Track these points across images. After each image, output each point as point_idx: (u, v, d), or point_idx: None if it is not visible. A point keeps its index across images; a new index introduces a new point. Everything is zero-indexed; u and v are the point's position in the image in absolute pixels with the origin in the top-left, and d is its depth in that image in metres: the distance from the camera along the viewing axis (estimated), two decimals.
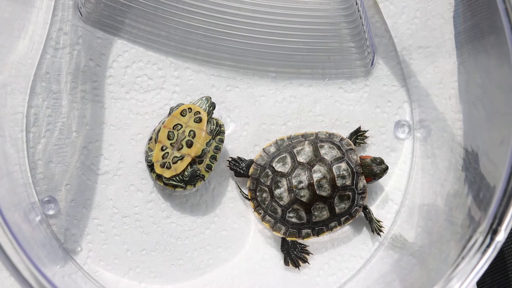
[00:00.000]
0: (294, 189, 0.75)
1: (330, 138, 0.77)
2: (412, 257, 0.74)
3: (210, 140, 0.75)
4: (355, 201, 0.76)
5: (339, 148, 0.76)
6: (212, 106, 0.76)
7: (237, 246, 0.78)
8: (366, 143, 0.79)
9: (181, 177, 0.75)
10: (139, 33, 0.79)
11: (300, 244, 0.77)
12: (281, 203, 0.76)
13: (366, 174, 0.76)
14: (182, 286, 0.77)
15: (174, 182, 0.75)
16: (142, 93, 0.79)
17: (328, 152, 0.76)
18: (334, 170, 0.75)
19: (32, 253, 0.61)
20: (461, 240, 0.64)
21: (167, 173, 0.74)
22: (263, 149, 0.78)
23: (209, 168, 0.76)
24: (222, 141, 0.76)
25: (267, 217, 0.76)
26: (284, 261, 0.77)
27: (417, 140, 0.80)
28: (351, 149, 0.77)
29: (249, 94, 0.80)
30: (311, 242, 0.78)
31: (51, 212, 0.76)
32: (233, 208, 0.78)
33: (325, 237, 0.78)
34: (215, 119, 0.76)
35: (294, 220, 0.76)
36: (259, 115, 0.79)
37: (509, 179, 0.62)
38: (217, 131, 0.76)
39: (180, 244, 0.77)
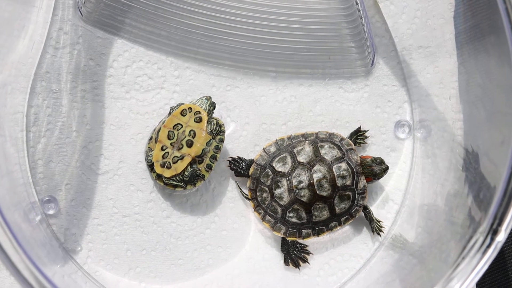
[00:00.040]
0: (294, 189, 0.75)
1: (330, 138, 0.77)
2: (412, 257, 0.74)
3: (210, 139, 0.75)
4: (355, 201, 0.76)
5: (339, 148, 0.76)
6: (212, 105, 0.76)
7: (237, 246, 0.78)
8: (366, 143, 0.79)
9: (181, 177, 0.75)
10: (140, 33, 0.79)
11: (300, 244, 0.77)
12: (281, 203, 0.75)
13: (366, 174, 0.76)
14: (182, 286, 0.77)
15: (174, 182, 0.75)
16: (142, 93, 0.79)
17: (328, 152, 0.76)
18: (334, 170, 0.75)
19: (32, 252, 0.61)
20: (462, 240, 0.64)
21: (167, 173, 0.74)
22: (263, 149, 0.78)
23: (209, 168, 0.76)
24: (222, 140, 0.76)
25: (267, 217, 0.76)
26: (284, 261, 0.77)
27: (417, 140, 0.80)
28: (351, 149, 0.77)
29: (249, 93, 0.80)
30: (311, 242, 0.78)
31: (51, 212, 0.76)
32: (233, 208, 0.78)
33: (325, 237, 0.78)
34: (215, 119, 0.76)
35: (294, 220, 0.76)
36: (259, 115, 0.79)
37: (509, 179, 0.62)
38: (217, 131, 0.76)
39: (180, 244, 0.77)
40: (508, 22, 0.63)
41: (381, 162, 0.76)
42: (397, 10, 0.79)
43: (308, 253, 0.77)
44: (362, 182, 0.76)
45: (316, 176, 0.75)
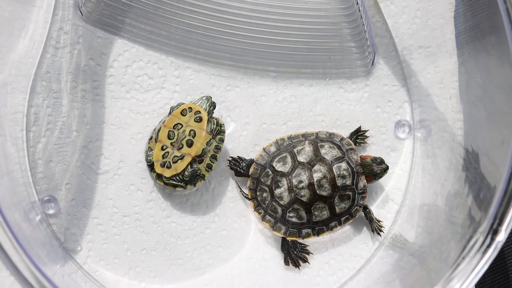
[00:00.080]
0: (295, 188, 0.75)
1: (330, 138, 0.77)
2: (413, 257, 0.74)
3: (210, 139, 0.75)
4: (355, 201, 0.76)
5: (339, 147, 0.76)
6: (213, 105, 0.76)
7: (237, 246, 0.78)
8: (366, 142, 0.79)
9: (181, 176, 0.75)
10: (140, 33, 0.79)
11: (300, 243, 0.77)
12: (281, 202, 0.75)
13: (366, 174, 0.76)
14: (182, 285, 0.77)
15: (174, 182, 0.75)
16: (142, 93, 0.79)
17: (328, 152, 0.76)
18: (334, 170, 0.75)
19: (32, 252, 0.61)
20: (462, 240, 0.64)
21: (167, 173, 0.74)
22: (264, 148, 0.78)
23: (209, 167, 0.76)
24: (222, 140, 0.76)
25: (267, 217, 0.76)
26: (284, 261, 0.77)
27: (417, 140, 0.80)
28: (352, 148, 0.77)
29: (249, 93, 0.80)
30: (311, 242, 0.78)
31: (51, 212, 0.76)
32: (233, 207, 0.78)
33: (325, 236, 0.78)
34: (216, 119, 0.76)
35: (294, 219, 0.76)
36: (260, 115, 0.79)
37: (509, 179, 0.62)
38: (218, 131, 0.76)
39: (180, 244, 0.77)
40: (509, 22, 0.63)
41: (381, 162, 0.76)
42: (397, 10, 0.79)
43: (308, 253, 0.77)
44: (362, 182, 0.76)
45: (316, 176, 0.75)
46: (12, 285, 0.74)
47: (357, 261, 0.78)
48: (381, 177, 0.77)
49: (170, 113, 0.76)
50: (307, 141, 0.77)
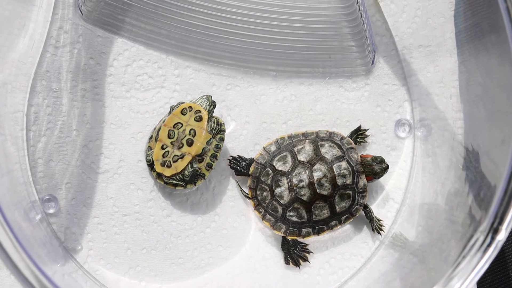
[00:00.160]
0: (295, 187, 0.75)
1: (330, 137, 0.77)
2: (413, 256, 0.74)
3: (210, 138, 0.75)
4: (356, 200, 0.76)
5: (339, 147, 0.76)
6: (213, 104, 0.76)
7: (237, 245, 0.78)
8: (366, 142, 0.79)
9: (181, 176, 0.75)
10: (140, 32, 0.79)
11: (301, 243, 0.77)
12: (281, 201, 0.75)
13: (366, 173, 0.76)
14: (182, 285, 0.77)
15: (174, 181, 0.75)
16: (142, 92, 0.79)
17: (328, 151, 0.76)
18: (334, 169, 0.75)
19: (32, 251, 0.61)
20: (462, 239, 0.64)
21: (167, 172, 0.74)
22: (264, 148, 0.78)
23: (209, 166, 0.76)
24: (222, 139, 0.76)
25: (268, 216, 0.76)
26: (285, 260, 0.77)
27: (417, 139, 0.80)
28: (352, 148, 0.77)
29: (249, 92, 0.80)
30: (311, 241, 0.78)
31: (51, 211, 0.76)
32: (233, 207, 0.78)
33: (326, 236, 0.78)
34: (216, 118, 0.76)
35: (294, 219, 0.76)
36: (260, 114, 0.79)
37: (510, 178, 0.62)
38: (218, 130, 0.76)
39: (180, 243, 0.77)
40: (509, 21, 0.63)
41: (382, 161, 0.76)
42: (397, 9, 0.79)
43: (308, 252, 0.77)
44: (363, 181, 0.76)
45: (317, 175, 0.75)
46: (13, 285, 0.74)
47: (357, 260, 0.78)
48: (381, 176, 0.77)
49: (170, 112, 0.76)
50: (307, 140, 0.77)
